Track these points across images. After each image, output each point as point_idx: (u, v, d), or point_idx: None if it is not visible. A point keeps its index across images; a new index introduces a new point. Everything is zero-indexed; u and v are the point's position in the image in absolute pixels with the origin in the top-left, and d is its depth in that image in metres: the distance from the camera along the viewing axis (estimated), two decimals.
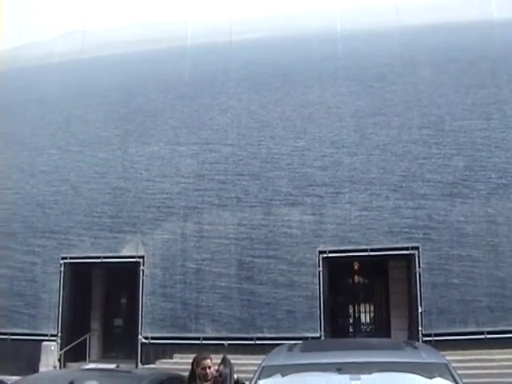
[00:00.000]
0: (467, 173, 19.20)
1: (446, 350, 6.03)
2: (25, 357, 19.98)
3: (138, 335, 20.31)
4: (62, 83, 22.87)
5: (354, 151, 20.08)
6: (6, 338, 20.99)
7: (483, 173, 19.13)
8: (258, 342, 18.82)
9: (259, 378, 5.49)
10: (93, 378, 7.11)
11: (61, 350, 20.69)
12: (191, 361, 8.41)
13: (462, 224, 18.88)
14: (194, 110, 21.67)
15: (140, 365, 19.75)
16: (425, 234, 19.01)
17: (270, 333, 19.11)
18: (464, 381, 5.42)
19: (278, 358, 5.97)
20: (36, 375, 8.81)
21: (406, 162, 19.64)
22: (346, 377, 5.35)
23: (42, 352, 20.23)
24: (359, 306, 22.38)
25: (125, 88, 22.47)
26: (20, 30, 24.21)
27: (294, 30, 21.32)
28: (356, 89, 20.66)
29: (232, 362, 9.81)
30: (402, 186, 19.46)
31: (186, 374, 8.93)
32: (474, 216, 18.88)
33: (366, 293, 22.43)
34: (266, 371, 5.60)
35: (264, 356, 6.13)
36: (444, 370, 5.46)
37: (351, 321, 22.44)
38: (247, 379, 5.73)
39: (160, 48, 22.23)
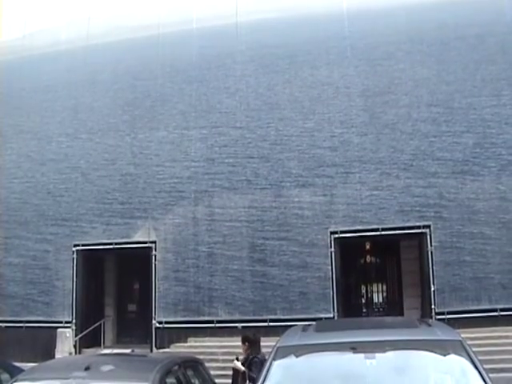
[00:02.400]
0: (477, 150, 19.10)
1: (459, 327, 6.04)
2: (40, 344, 20.15)
3: (151, 320, 20.42)
4: (69, 71, 22.87)
5: (364, 131, 20.01)
6: (22, 326, 21.20)
7: (493, 150, 19.03)
8: (271, 323, 18.88)
9: (274, 359, 5.51)
10: (108, 362, 7.15)
11: (76, 336, 20.86)
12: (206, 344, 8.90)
13: (473, 201, 18.82)
14: (202, 94, 21.63)
15: (155, 349, 19.85)
16: (436, 212, 18.96)
17: (283, 314, 19.16)
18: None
19: (293, 339, 5.98)
20: (52, 361, 8.87)
21: (416, 141, 19.56)
22: (361, 356, 5.36)
23: (57, 339, 20.39)
24: (371, 285, 22.43)
25: (132, 73, 22.44)
26: (26, 19, 24.18)
27: (300, 10, 21.17)
28: (364, 68, 20.54)
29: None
30: (412, 165, 19.39)
31: (201, 357, 9.03)
32: (484, 193, 18.81)
33: (378, 272, 22.46)
34: (281, 352, 5.61)
35: (278, 338, 6.13)
36: (459, 347, 5.46)
37: (364, 301, 22.49)
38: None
39: (166, 32, 22.15)
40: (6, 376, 8.87)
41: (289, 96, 20.89)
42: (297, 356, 5.57)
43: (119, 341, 22.73)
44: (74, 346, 20.67)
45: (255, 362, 9.17)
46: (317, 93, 20.71)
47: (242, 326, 19.13)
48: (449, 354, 5.46)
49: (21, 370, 8.31)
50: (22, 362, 12.11)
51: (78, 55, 22.92)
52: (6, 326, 21.40)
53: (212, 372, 8.97)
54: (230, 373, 10.07)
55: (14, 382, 6.29)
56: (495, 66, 19.67)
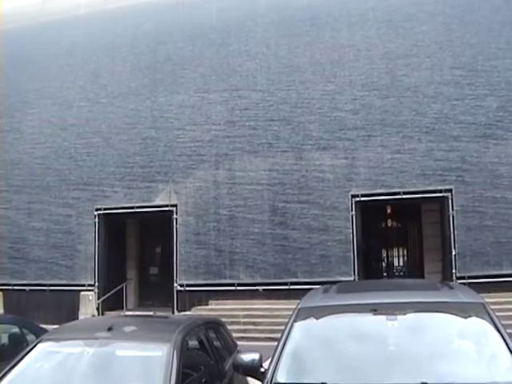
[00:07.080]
0: (501, 113, 18.85)
1: (479, 292, 6.00)
2: (64, 307, 20.46)
3: (173, 283, 20.62)
4: (89, 35, 22.84)
5: (386, 94, 19.81)
6: (46, 290, 21.52)
7: None
8: (292, 287, 18.97)
9: (295, 320, 5.52)
10: (131, 323, 7.22)
11: (98, 299, 21.15)
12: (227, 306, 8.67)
13: (496, 165, 18.64)
14: (223, 57, 21.51)
15: (176, 312, 20.06)
16: (458, 176, 18.82)
17: (304, 277, 19.22)
18: None
19: (314, 300, 5.98)
20: (76, 322, 8.99)
21: (439, 104, 19.34)
22: (383, 317, 5.36)
23: (80, 302, 20.68)
24: (392, 249, 22.42)
25: (152, 37, 22.33)
26: None
27: None
28: (386, 30, 20.27)
29: (267, 307, 9.93)
30: (434, 128, 19.20)
31: (223, 319, 9.06)
32: (508, 157, 18.61)
33: (399, 236, 22.40)
34: (303, 313, 5.62)
35: (298, 301, 6.15)
36: (481, 310, 5.42)
37: (384, 264, 22.51)
38: (283, 324, 5.76)
39: None
40: (31, 337, 9.01)
41: (310, 59, 20.71)
42: (318, 317, 5.58)
43: (141, 304, 23.01)
44: (97, 309, 20.94)
45: None
46: (338, 55, 20.51)
47: (263, 289, 19.30)
48: (471, 316, 5.44)
49: (45, 331, 8.42)
50: (47, 324, 12.24)
51: (97, 19, 22.86)
52: (31, 290, 21.72)
53: (234, 334, 9.04)
54: (252, 335, 10.13)
55: (39, 341, 6.37)
56: None
